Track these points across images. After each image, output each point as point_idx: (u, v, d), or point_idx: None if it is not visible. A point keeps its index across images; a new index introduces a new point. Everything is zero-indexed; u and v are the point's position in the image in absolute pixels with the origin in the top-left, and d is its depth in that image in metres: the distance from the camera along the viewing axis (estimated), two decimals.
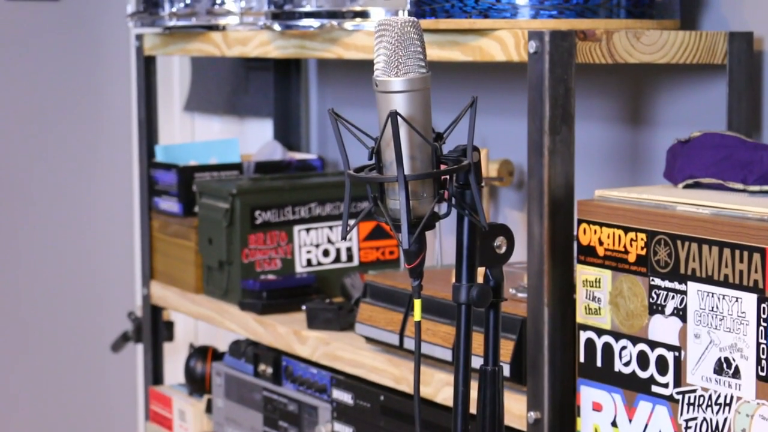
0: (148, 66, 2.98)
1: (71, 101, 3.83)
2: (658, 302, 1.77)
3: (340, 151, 1.72)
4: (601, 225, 1.84)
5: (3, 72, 3.75)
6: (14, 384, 3.82)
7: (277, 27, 2.55)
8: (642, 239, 1.79)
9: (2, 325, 3.80)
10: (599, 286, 1.84)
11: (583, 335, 1.87)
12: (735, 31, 2.10)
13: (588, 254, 1.86)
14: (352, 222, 1.80)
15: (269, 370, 2.56)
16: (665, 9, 2.07)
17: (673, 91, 2.28)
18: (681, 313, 1.74)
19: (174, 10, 2.66)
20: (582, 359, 1.88)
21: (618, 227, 1.82)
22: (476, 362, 1.70)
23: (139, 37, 2.95)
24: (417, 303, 1.76)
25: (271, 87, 3.21)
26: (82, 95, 3.83)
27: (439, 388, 2.10)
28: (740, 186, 1.83)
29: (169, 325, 3.03)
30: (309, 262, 2.65)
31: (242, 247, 2.59)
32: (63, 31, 3.79)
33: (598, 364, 1.86)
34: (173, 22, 2.66)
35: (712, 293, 1.70)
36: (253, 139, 3.39)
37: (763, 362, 1.64)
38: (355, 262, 2.68)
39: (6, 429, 3.81)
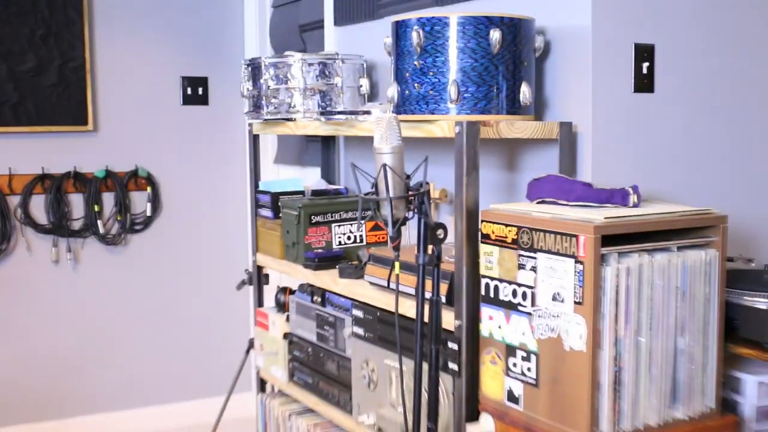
0: (255, 140, 2.98)
1: (217, 158, 3.85)
2: (522, 263, 1.77)
3: (356, 184, 1.75)
4: (493, 223, 1.84)
5: (184, 144, 3.78)
6: (181, 307, 3.86)
7: (322, 119, 2.58)
8: (514, 230, 1.79)
9: (180, 272, 3.82)
10: (492, 255, 1.85)
11: (483, 280, 1.88)
12: (563, 121, 2.10)
13: (486, 239, 1.86)
14: (362, 221, 1.83)
15: (318, 299, 2.56)
16: (526, 109, 2.07)
17: (530, 153, 2.27)
18: (534, 269, 1.75)
19: (268, 110, 2.68)
20: (483, 293, 1.88)
21: (502, 224, 1.82)
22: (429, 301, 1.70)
23: (250, 124, 2.96)
24: (396, 264, 1.80)
25: (319, 150, 3.22)
26: (223, 155, 3.85)
27: (408, 308, 2.10)
28: (564, 202, 1.84)
29: (266, 276, 3.03)
30: (340, 243, 2.63)
31: (304, 235, 2.59)
32: (211, 122, 3.81)
33: (491, 295, 1.86)
34: (268, 117, 2.69)
35: (551, 257, 1.71)
36: (310, 177, 3.39)
37: (577, 295, 1.66)
38: (364, 243, 2.68)
39: (177, 330, 3.84)
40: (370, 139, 2.75)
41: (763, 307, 1.78)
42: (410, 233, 2.51)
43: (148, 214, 3.72)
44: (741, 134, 2.29)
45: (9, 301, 3.51)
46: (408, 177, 1.75)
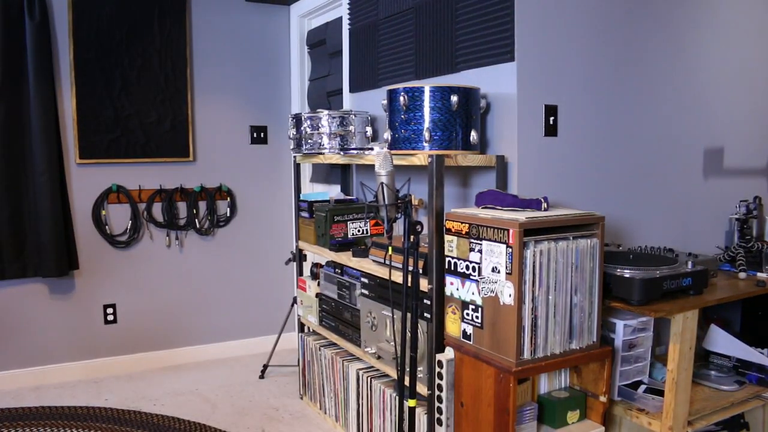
0: (297, 167, 2.95)
1: (273, 178, 3.79)
2: (472, 248, 1.76)
3: (364, 196, 1.73)
4: (453, 221, 1.82)
5: (252, 170, 3.74)
6: (249, 276, 3.79)
7: (341, 153, 2.56)
8: (466, 226, 1.78)
9: (249, 253, 3.72)
10: (453, 242, 1.84)
11: (447, 259, 1.86)
12: (498, 155, 2.08)
13: (449, 231, 1.85)
14: (368, 220, 1.81)
15: (339, 271, 2.54)
16: (474, 146, 2.05)
17: (477, 175, 2.24)
18: (480, 251, 1.74)
19: (306, 147, 2.67)
20: (447, 267, 1.87)
21: (459, 221, 1.81)
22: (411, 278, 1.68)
23: (294, 157, 2.93)
24: (390, 248, 1.79)
25: (339, 173, 3.19)
26: (277, 176, 3.76)
27: (397, 277, 2.07)
28: (500, 208, 1.84)
29: (305, 255, 3.01)
30: (353, 234, 2.62)
31: (330, 228, 2.57)
32: (269, 155, 3.76)
33: (452, 268, 1.85)
34: (306, 152, 2.67)
35: (491, 243, 1.70)
36: (333, 191, 3.35)
37: (507, 268, 1.64)
38: (369, 234, 2.67)
39: (246, 291, 3.79)
40: (373, 166, 2.74)
41: (627, 275, 1.78)
42: (399, 228, 2.52)
43: (228, 215, 3.71)
44: (614, 162, 2.28)
45: (139, 270, 3.51)
46: (398, 191, 1.76)
